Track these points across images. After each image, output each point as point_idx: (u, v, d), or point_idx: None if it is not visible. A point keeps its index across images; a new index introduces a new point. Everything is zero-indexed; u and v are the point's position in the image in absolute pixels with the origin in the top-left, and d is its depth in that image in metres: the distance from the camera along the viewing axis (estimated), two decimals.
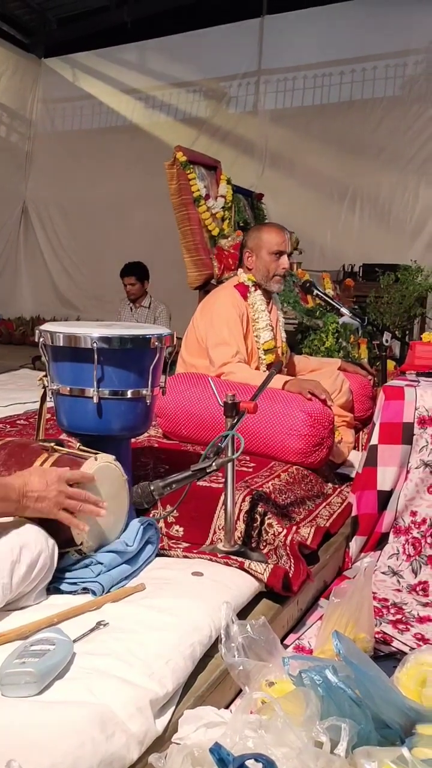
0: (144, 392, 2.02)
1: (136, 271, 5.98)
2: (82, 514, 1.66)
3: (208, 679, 1.55)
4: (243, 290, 3.03)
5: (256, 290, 3.05)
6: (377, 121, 7.04)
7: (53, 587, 1.68)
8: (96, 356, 1.91)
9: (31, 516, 1.62)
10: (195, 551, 2.05)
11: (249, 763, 1.04)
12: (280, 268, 3.03)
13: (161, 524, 2.19)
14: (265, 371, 2.95)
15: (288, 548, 2.11)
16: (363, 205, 7.12)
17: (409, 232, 6.85)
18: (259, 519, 2.19)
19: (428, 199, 6.79)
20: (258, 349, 3.03)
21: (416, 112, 6.86)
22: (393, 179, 6.93)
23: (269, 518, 2.19)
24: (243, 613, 1.82)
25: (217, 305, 2.99)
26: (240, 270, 3.13)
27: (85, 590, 1.69)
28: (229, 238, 4.62)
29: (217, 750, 1.02)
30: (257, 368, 3.01)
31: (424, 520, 2.47)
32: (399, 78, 7.02)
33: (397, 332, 4.73)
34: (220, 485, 2.19)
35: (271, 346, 3.04)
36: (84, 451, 1.86)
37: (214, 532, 2.18)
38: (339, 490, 2.83)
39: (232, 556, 1.98)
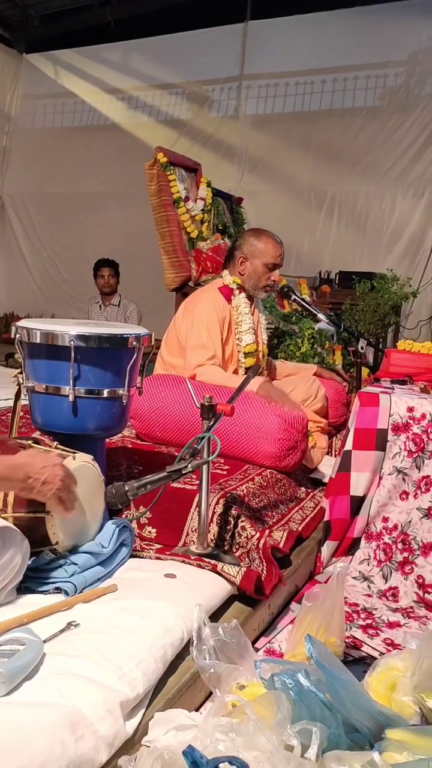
0: (120, 392, 2.01)
1: (112, 263, 6.12)
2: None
3: (179, 682, 1.54)
4: (227, 292, 3.02)
5: (240, 293, 3.04)
6: (357, 130, 7.10)
7: (24, 586, 1.66)
8: (73, 354, 1.90)
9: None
10: (168, 553, 2.04)
11: (222, 766, 1.04)
12: (270, 280, 3.03)
13: (134, 525, 2.18)
14: (244, 374, 2.95)
15: (261, 551, 2.11)
16: (341, 213, 7.17)
17: (385, 241, 6.92)
18: (232, 522, 2.19)
19: (405, 209, 6.86)
20: (239, 351, 3.03)
21: (395, 123, 6.94)
22: (371, 188, 6.99)
23: (242, 521, 2.19)
24: (215, 616, 1.81)
25: (199, 307, 2.98)
26: (225, 271, 3.12)
27: (57, 590, 1.67)
28: (208, 241, 4.62)
29: (190, 753, 1.01)
30: (236, 371, 3.01)
31: (395, 526, 2.49)
32: (379, 89, 7.09)
33: (371, 339, 4.77)
34: (194, 487, 2.19)
35: (252, 349, 3.04)
36: (60, 449, 1.84)
37: (187, 534, 2.17)
38: (312, 494, 2.84)
39: (205, 559, 1.98)
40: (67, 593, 1.65)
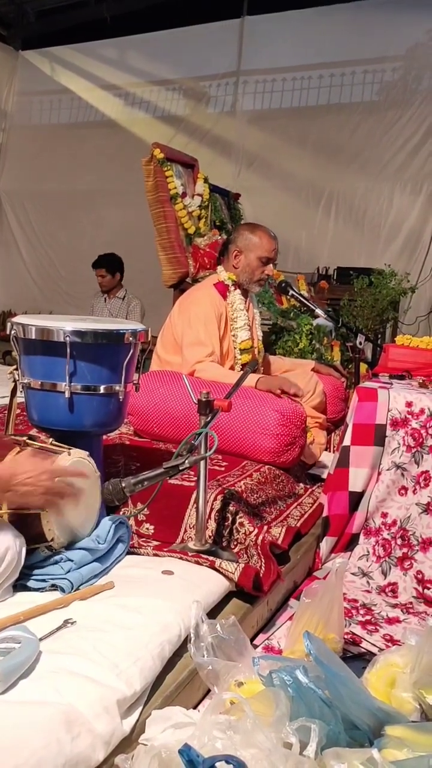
0: (117, 388, 1.99)
1: (104, 263, 6.07)
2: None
3: (176, 679, 1.53)
4: (222, 289, 3.02)
5: (235, 289, 3.03)
6: (354, 125, 7.07)
7: (20, 584, 1.65)
8: (69, 350, 1.88)
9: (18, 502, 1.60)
10: (165, 550, 2.03)
11: (219, 764, 1.03)
12: (264, 274, 3.03)
13: (131, 522, 2.16)
14: (240, 371, 2.94)
15: (259, 548, 2.10)
16: (338, 209, 7.15)
17: (383, 236, 6.90)
18: (230, 518, 2.18)
19: (402, 205, 6.83)
20: (234, 348, 3.02)
21: (392, 118, 6.91)
22: (368, 184, 6.97)
23: (240, 517, 2.18)
24: (213, 613, 1.80)
25: (196, 304, 2.97)
26: (219, 267, 3.11)
27: (54, 587, 1.66)
28: (205, 237, 4.59)
29: (186, 751, 1.00)
30: (232, 367, 3.00)
31: (394, 522, 2.48)
32: (377, 84, 7.06)
33: (369, 335, 4.75)
34: (192, 484, 2.18)
35: (248, 346, 3.03)
36: (56, 446, 1.83)
37: (185, 531, 2.16)
38: (310, 490, 2.83)
39: (203, 555, 1.97)
40: (63, 590, 1.64)
